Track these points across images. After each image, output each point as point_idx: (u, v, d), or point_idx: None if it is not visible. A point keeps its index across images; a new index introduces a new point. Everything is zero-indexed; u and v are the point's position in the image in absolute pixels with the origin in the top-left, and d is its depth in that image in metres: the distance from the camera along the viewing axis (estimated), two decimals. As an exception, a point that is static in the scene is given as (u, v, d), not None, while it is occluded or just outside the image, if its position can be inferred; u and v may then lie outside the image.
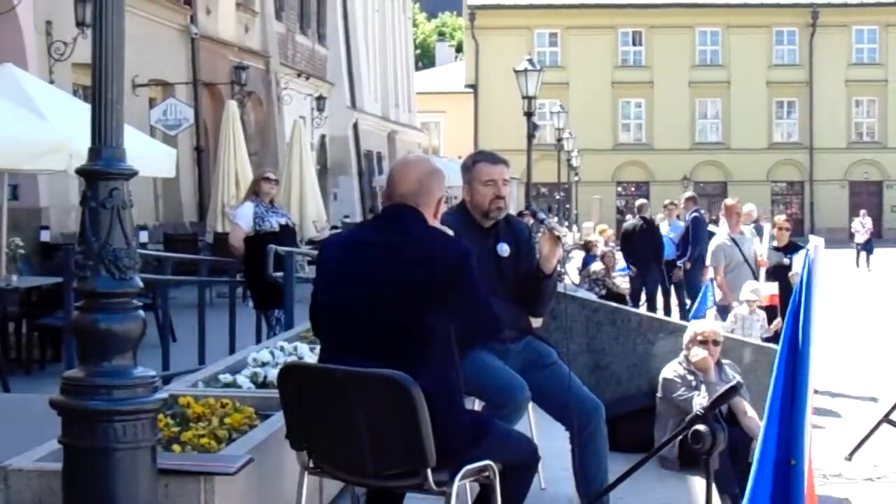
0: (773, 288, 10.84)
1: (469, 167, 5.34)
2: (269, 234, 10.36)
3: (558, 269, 5.35)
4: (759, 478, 3.21)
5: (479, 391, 5.08)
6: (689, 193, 20.78)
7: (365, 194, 37.83)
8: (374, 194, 38.39)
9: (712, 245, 11.72)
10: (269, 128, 28.25)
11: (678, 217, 19.43)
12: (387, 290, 4.01)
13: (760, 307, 10.67)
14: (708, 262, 11.80)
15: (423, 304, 3.99)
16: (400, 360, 3.90)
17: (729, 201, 11.92)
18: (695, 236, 17.46)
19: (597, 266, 16.69)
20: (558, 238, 5.26)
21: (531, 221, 6.03)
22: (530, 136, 24.07)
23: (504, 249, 5.30)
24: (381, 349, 3.97)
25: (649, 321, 8.35)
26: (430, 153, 50.39)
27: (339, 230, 20.55)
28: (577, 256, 19.09)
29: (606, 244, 19.38)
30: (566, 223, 36.86)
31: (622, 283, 16.70)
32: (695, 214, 17.81)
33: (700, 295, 12.39)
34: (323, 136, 34.61)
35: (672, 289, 17.96)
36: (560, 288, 5.81)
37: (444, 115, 60.13)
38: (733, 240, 11.43)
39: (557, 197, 46.78)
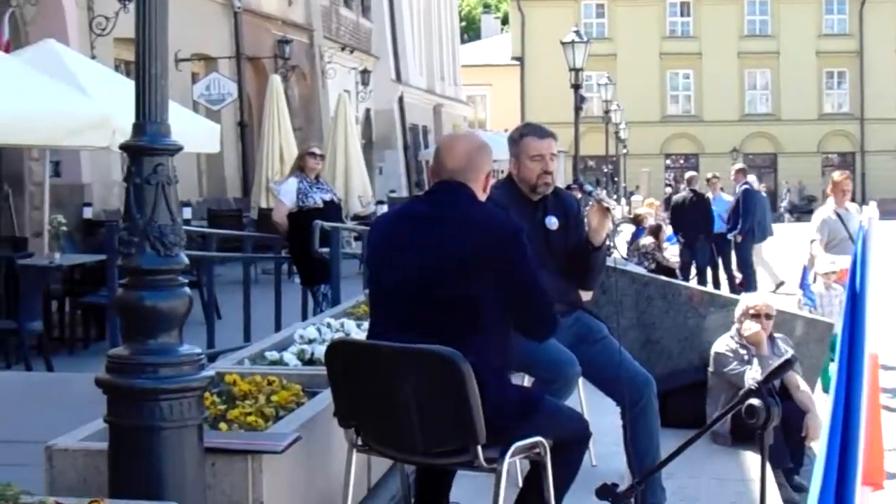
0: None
1: (516, 140, 5.27)
2: (312, 210, 10.31)
3: (608, 242, 5.27)
4: (828, 459, 3.12)
5: (528, 367, 5.02)
6: (739, 165, 20.52)
7: (411, 168, 37.78)
8: (420, 168, 38.33)
9: (817, 219, 11.52)
10: (313, 102, 28.21)
11: (722, 190, 19.24)
12: (437, 264, 3.98)
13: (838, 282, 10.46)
14: (812, 235, 11.61)
15: (472, 278, 3.95)
16: (449, 335, 3.86)
17: (836, 176, 11.71)
18: (745, 209, 17.28)
19: (646, 240, 16.54)
20: (607, 210, 5.20)
21: (579, 195, 5.95)
22: (577, 109, 23.98)
23: (552, 222, 5.22)
24: (430, 324, 3.93)
25: (700, 295, 8.24)
26: (476, 127, 50.29)
27: (384, 204, 20.54)
28: (627, 230, 18.91)
29: (656, 217, 19.24)
30: (614, 196, 36.65)
31: (672, 256, 16.54)
32: (745, 187, 17.63)
33: (801, 275, 12.13)
34: (368, 110, 34.56)
35: (720, 262, 17.79)
36: (609, 262, 5.73)
37: (490, 88, 59.97)
38: (838, 215, 11.27)
39: (605, 170, 46.57)
